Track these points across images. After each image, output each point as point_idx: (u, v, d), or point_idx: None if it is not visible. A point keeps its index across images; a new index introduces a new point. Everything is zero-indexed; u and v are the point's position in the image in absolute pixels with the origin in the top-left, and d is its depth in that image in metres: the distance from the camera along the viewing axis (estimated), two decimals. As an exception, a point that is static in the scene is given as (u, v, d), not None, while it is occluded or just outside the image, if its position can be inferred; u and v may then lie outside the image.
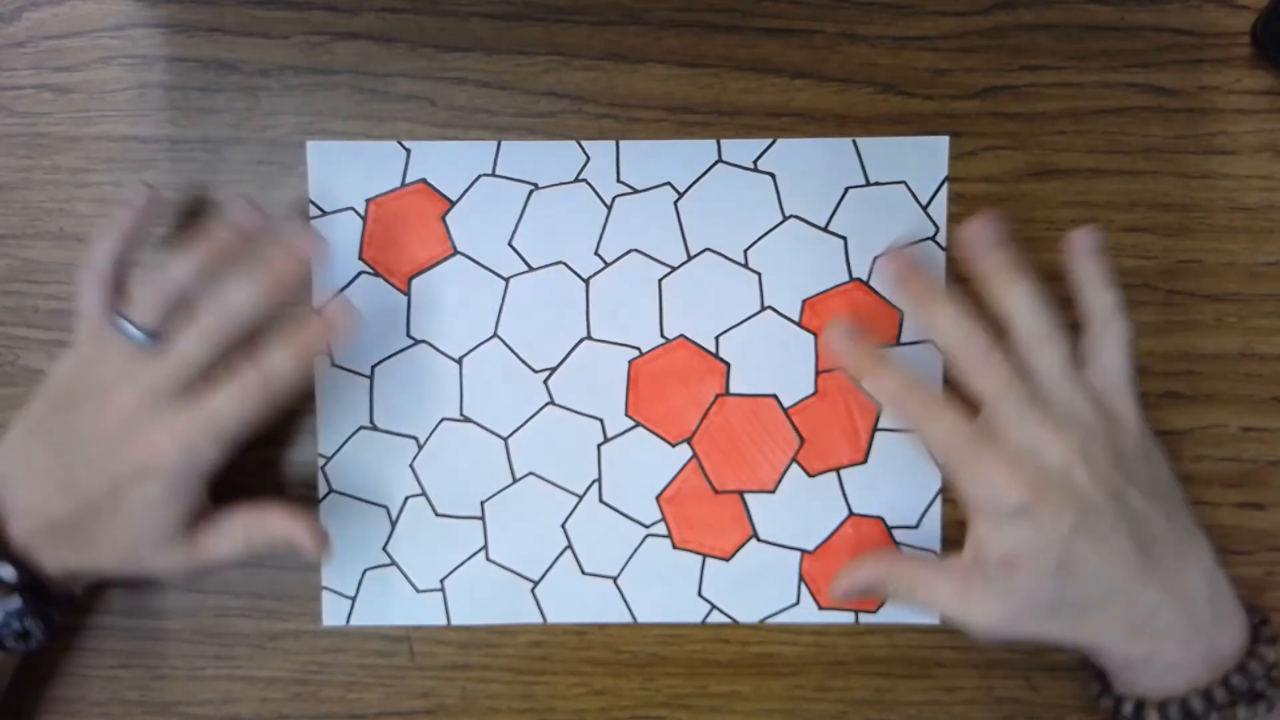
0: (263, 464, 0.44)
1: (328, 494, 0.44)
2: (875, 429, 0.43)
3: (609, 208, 0.44)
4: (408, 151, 0.44)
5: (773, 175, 0.43)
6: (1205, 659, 0.37)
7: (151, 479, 0.37)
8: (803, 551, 0.44)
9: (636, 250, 0.44)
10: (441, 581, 0.44)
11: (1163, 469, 0.39)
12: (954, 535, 0.44)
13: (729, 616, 0.44)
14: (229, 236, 0.40)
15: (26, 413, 0.39)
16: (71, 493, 0.38)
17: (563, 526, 0.44)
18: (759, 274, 0.43)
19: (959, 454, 0.38)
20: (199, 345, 0.38)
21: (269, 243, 0.40)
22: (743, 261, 0.44)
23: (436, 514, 0.44)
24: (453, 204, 0.44)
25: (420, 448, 0.44)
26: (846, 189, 0.43)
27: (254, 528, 0.40)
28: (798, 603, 0.44)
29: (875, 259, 0.43)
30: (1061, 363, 0.38)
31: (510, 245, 0.44)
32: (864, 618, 0.44)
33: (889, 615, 0.44)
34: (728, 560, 0.44)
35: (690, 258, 0.44)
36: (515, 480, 0.44)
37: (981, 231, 0.39)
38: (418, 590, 0.44)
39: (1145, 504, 0.37)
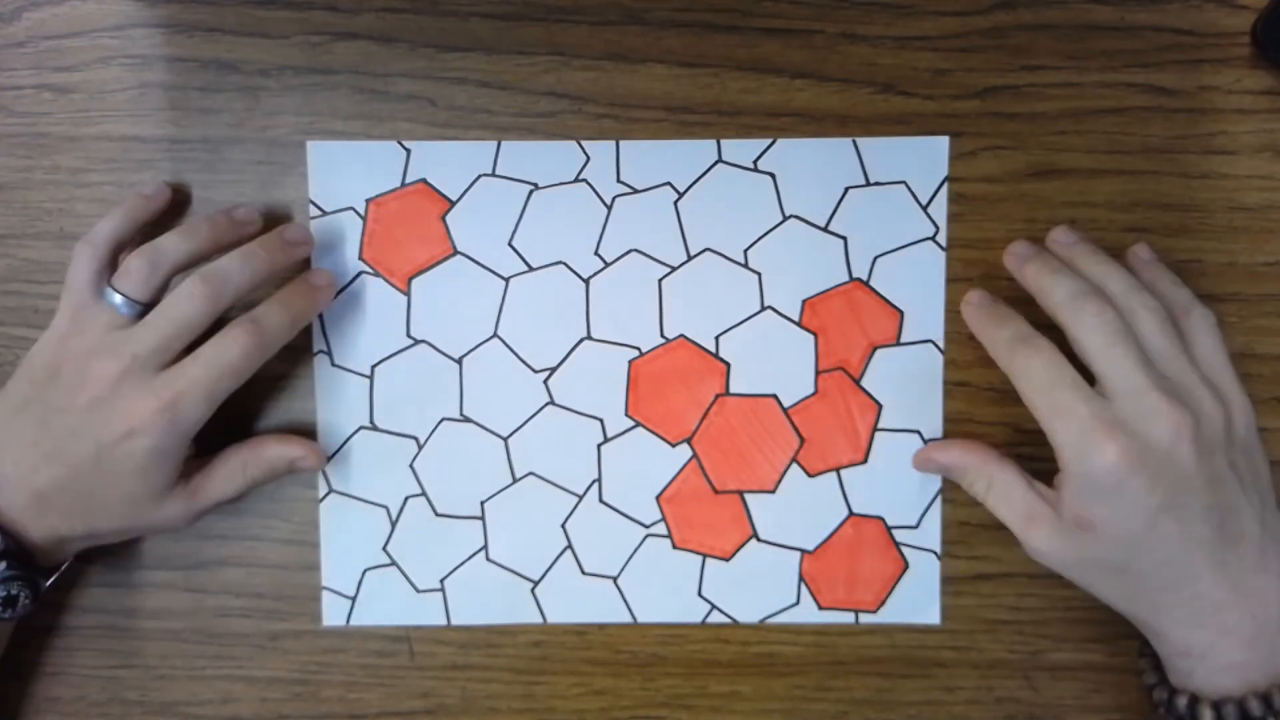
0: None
1: (328, 494, 0.44)
2: (875, 429, 0.43)
3: (609, 208, 0.44)
4: (408, 151, 0.44)
5: (773, 175, 0.43)
6: (1266, 663, 0.36)
7: (136, 444, 0.38)
8: (803, 551, 0.44)
9: (636, 250, 0.44)
10: (441, 581, 0.44)
11: (1264, 466, 0.38)
12: (954, 535, 0.44)
13: (729, 616, 0.44)
14: (225, 225, 0.41)
15: (7, 389, 0.40)
16: (58, 462, 0.38)
17: (563, 526, 0.44)
18: (759, 274, 0.43)
19: (1058, 401, 0.36)
20: (182, 309, 0.38)
21: (265, 233, 0.41)
22: (743, 261, 0.44)
23: (436, 514, 0.44)
24: (453, 204, 0.44)
25: (420, 448, 0.44)
26: (846, 189, 0.43)
27: (251, 460, 0.41)
28: (798, 603, 0.44)
29: (875, 259, 0.43)
30: (1168, 333, 0.37)
31: (510, 245, 0.44)
32: (864, 618, 0.44)
33: (889, 615, 0.44)
34: (728, 560, 0.44)
35: (690, 258, 0.44)
36: (515, 480, 0.44)
37: (1061, 233, 0.41)
38: (418, 590, 0.44)
39: (1240, 497, 0.36)
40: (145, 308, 0.39)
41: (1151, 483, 0.35)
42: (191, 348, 0.39)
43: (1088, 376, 0.37)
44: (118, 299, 0.39)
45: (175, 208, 0.44)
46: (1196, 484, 0.35)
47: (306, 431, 0.44)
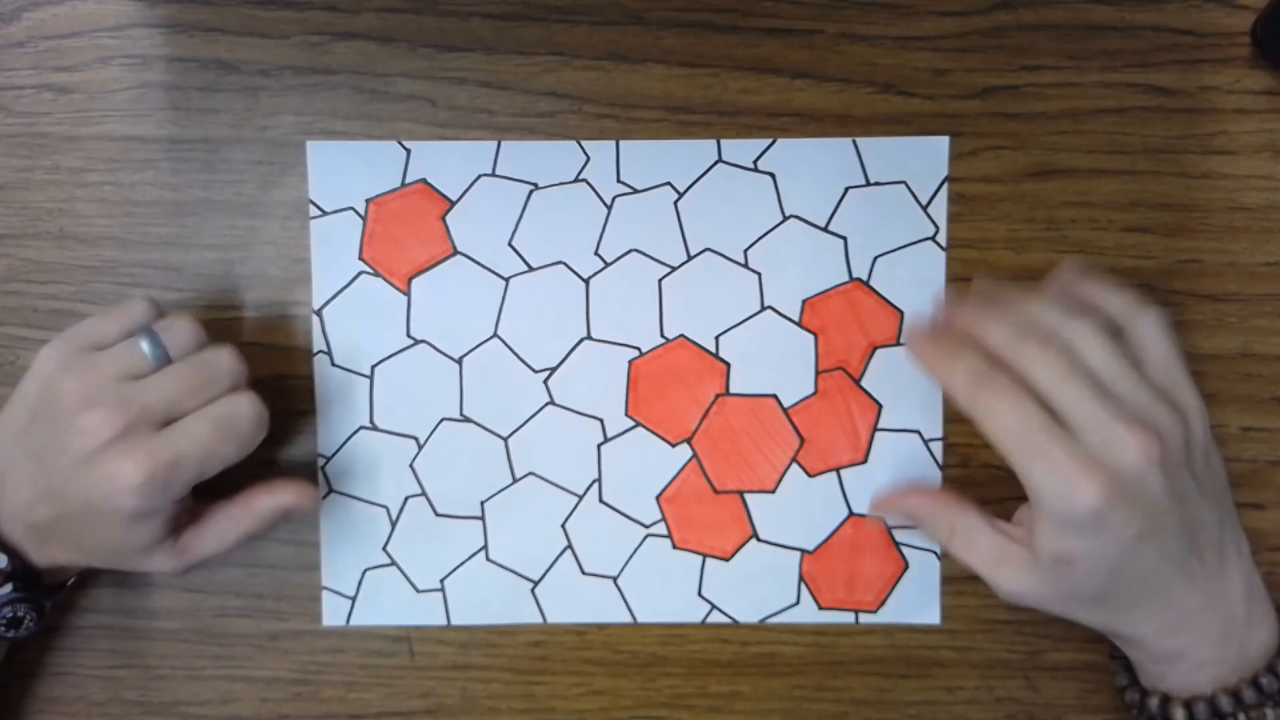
0: (263, 464, 0.44)
1: (328, 494, 0.44)
2: (875, 429, 0.43)
3: (609, 208, 0.44)
4: (408, 151, 0.44)
5: (773, 175, 0.43)
6: (1235, 659, 0.37)
7: (122, 503, 0.36)
8: (803, 551, 0.44)
9: (636, 250, 0.44)
10: (441, 581, 0.44)
11: (1220, 468, 0.38)
12: (954, 535, 0.44)
13: (729, 616, 0.44)
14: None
15: (7, 413, 0.39)
16: (52, 502, 0.37)
17: (563, 526, 0.44)
18: (759, 274, 0.43)
19: (1031, 445, 0.35)
20: (213, 364, 0.38)
21: None
22: (743, 261, 0.44)
23: (436, 514, 0.44)
24: (453, 204, 0.44)
25: (420, 448, 0.44)
26: (846, 189, 0.43)
27: (243, 517, 0.40)
28: (798, 603, 0.44)
29: (875, 259, 0.43)
30: (1113, 355, 0.36)
31: (510, 245, 0.44)
32: (864, 618, 0.44)
33: (889, 615, 0.44)
34: (728, 560, 0.44)
35: (690, 258, 0.44)
36: (515, 480, 0.44)
37: (982, 282, 0.40)
38: (418, 590, 0.44)
39: (1203, 507, 0.37)
40: (165, 365, 0.38)
41: (1129, 513, 0.34)
42: None
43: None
44: (147, 345, 0.37)
45: (175, 208, 0.44)
46: (1166, 505, 0.35)
47: (307, 431, 0.44)
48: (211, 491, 0.40)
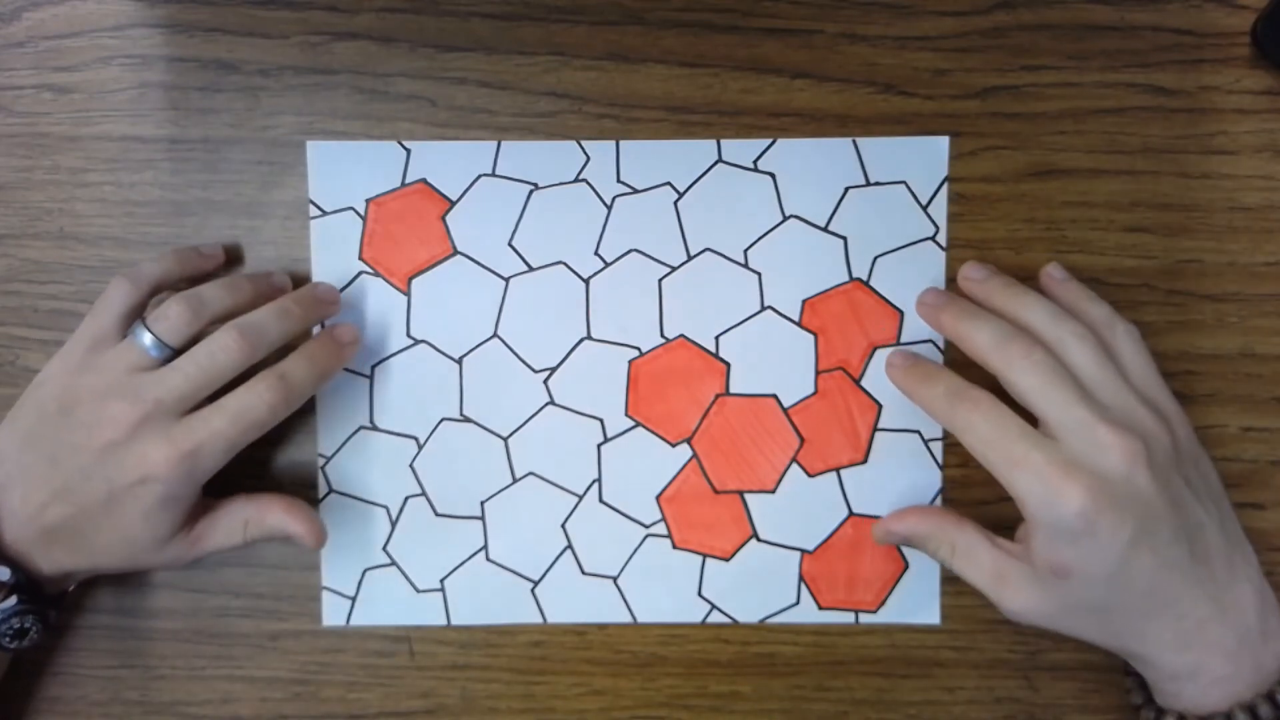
0: (263, 464, 0.44)
1: (328, 494, 0.44)
2: (875, 429, 0.43)
3: (609, 208, 0.44)
4: (408, 151, 0.44)
5: (773, 175, 0.43)
6: (1251, 674, 0.36)
7: (148, 491, 0.37)
8: (803, 551, 0.44)
9: (636, 250, 0.44)
10: (441, 581, 0.44)
11: (1213, 472, 0.38)
12: (954, 535, 0.44)
13: (729, 616, 0.44)
14: (265, 285, 0.41)
15: (15, 418, 0.39)
16: (67, 501, 0.38)
17: (563, 526, 0.44)
18: (759, 274, 0.43)
19: (1010, 453, 0.35)
20: (217, 358, 0.38)
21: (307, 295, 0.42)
22: (743, 261, 0.44)
23: (436, 514, 0.44)
24: (453, 204, 0.44)
25: (420, 448, 0.44)
26: (846, 189, 0.43)
27: (253, 521, 0.40)
28: (798, 603, 0.44)
29: (875, 259, 0.43)
30: (1099, 360, 0.37)
31: (510, 245, 0.44)
32: (864, 618, 0.44)
33: (889, 615, 0.44)
34: (728, 560, 0.44)
35: (690, 258, 0.44)
36: (515, 480, 0.44)
37: (972, 269, 0.40)
38: (418, 590, 0.44)
39: (1201, 512, 0.36)
40: (173, 354, 0.38)
41: (1120, 517, 0.34)
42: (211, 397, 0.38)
43: (1028, 418, 0.36)
44: (148, 340, 0.38)
45: (175, 208, 0.44)
46: (1160, 509, 0.35)
47: (307, 431, 0.44)
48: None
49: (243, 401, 0.38)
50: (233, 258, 0.44)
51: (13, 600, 0.38)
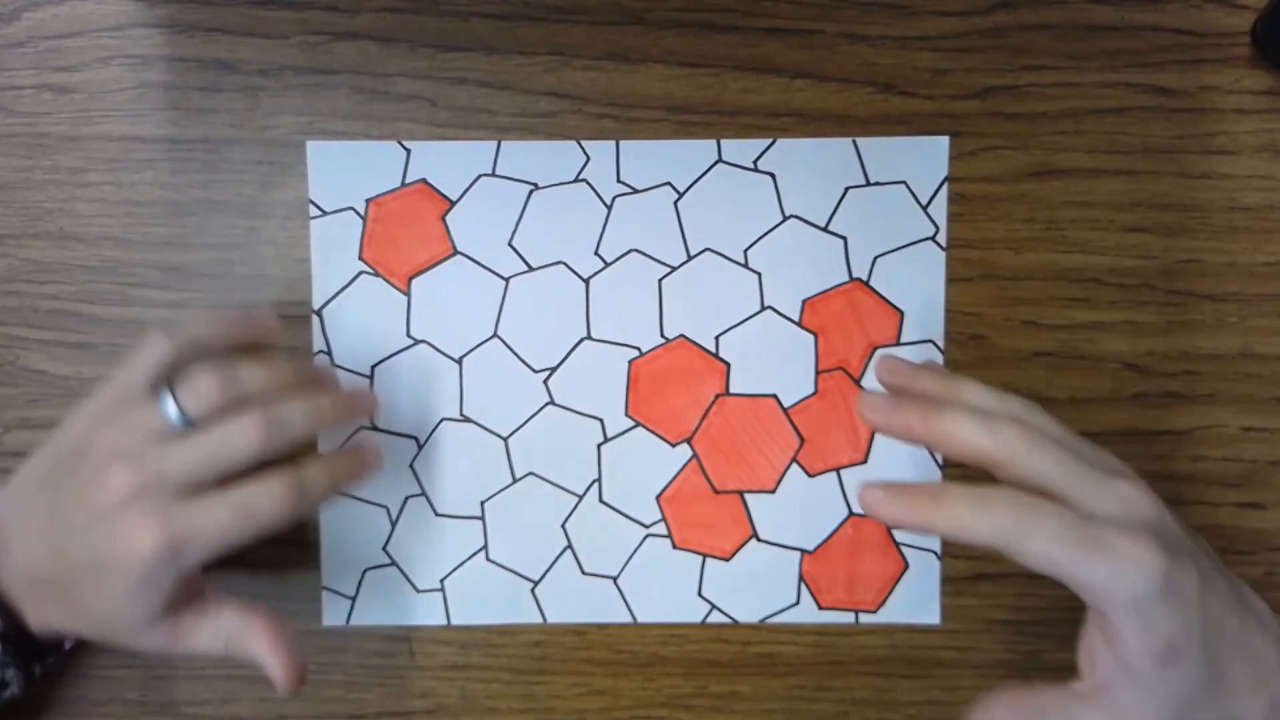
0: (262, 464, 0.44)
1: (328, 494, 0.44)
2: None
3: (609, 208, 0.44)
4: (408, 151, 0.44)
5: (773, 175, 0.43)
6: None
7: (128, 570, 0.34)
8: (803, 551, 0.44)
9: (636, 250, 0.44)
10: (441, 581, 0.44)
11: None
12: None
13: (729, 616, 0.44)
14: (307, 371, 0.39)
15: (36, 458, 0.38)
16: (57, 557, 0.36)
17: (563, 526, 0.44)
18: (759, 274, 0.43)
19: (1086, 542, 0.31)
20: (235, 443, 0.35)
21: (333, 387, 0.39)
22: (743, 261, 0.44)
23: (436, 514, 0.44)
24: (453, 204, 0.44)
25: (420, 448, 0.44)
26: (846, 189, 0.43)
27: (235, 639, 0.37)
28: (798, 603, 0.44)
29: (875, 259, 0.43)
30: (1058, 422, 0.34)
31: (510, 245, 0.44)
32: (864, 618, 0.44)
33: (889, 615, 0.44)
34: (728, 560, 0.44)
35: (690, 258, 0.44)
36: (515, 480, 0.44)
37: (890, 366, 0.37)
38: (418, 590, 0.44)
39: (1200, 544, 0.34)
40: (195, 427, 0.36)
41: (1179, 562, 0.31)
42: None
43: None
44: (172, 410, 0.35)
45: (176, 209, 0.44)
46: (1189, 544, 0.33)
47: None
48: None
49: (252, 496, 0.35)
50: (225, 244, 0.43)
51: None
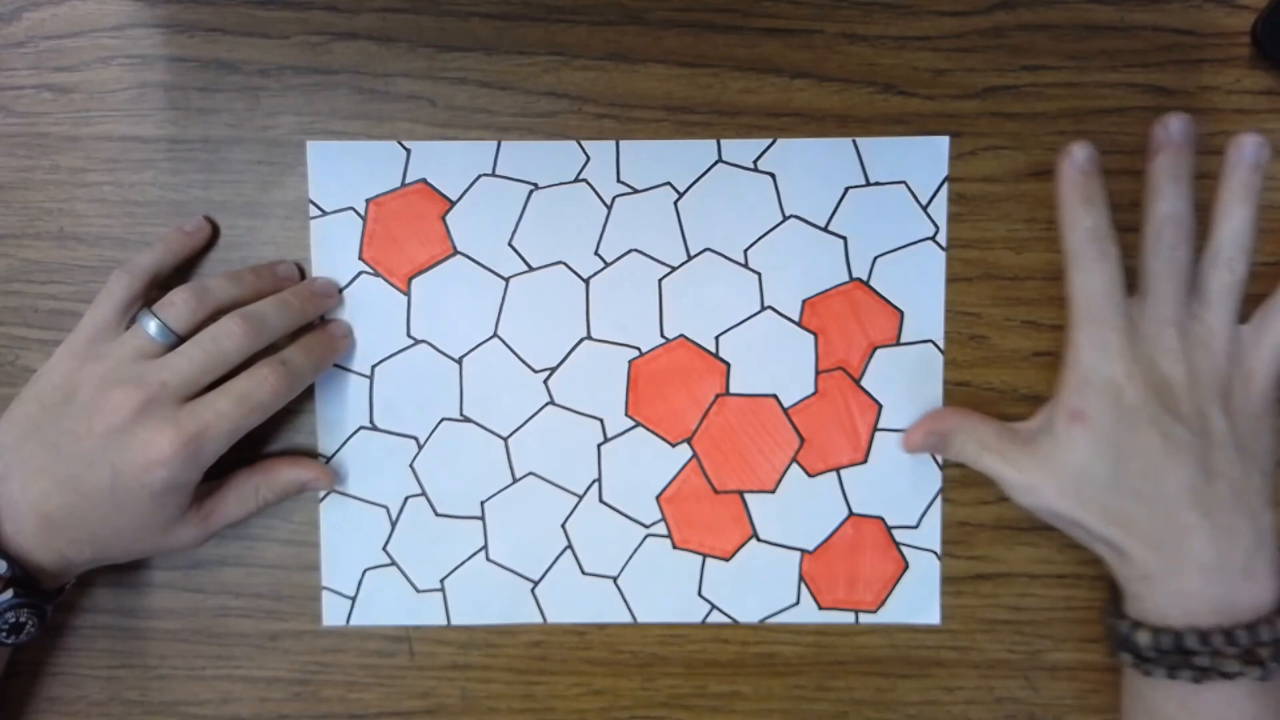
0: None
1: (328, 494, 0.44)
2: (875, 429, 0.43)
3: (609, 208, 0.44)
4: (408, 151, 0.44)
5: (773, 175, 0.43)
6: (1219, 603, 0.37)
7: (155, 474, 0.37)
8: (803, 551, 0.44)
9: (636, 250, 0.44)
10: (441, 581, 0.44)
11: (1266, 439, 0.38)
12: (954, 535, 0.44)
13: (729, 616, 0.44)
14: (269, 278, 0.42)
15: (15, 410, 0.39)
16: (70, 489, 0.38)
17: (563, 526, 0.44)
18: (759, 274, 0.43)
19: (1096, 311, 0.38)
20: (222, 344, 0.39)
21: (294, 286, 0.43)
22: (743, 261, 0.44)
23: (436, 514, 0.44)
24: (453, 204, 0.44)
25: (420, 448, 0.44)
26: (846, 189, 0.43)
27: (264, 484, 0.42)
28: (798, 603, 0.44)
29: (875, 259, 0.43)
30: (1225, 290, 0.39)
31: (510, 245, 0.44)
32: (864, 618, 0.44)
33: (889, 615, 0.44)
34: (728, 560, 0.44)
35: (690, 258, 0.44)
36: (515, 480, 0.44)
37: (1251, 148, 0.39)
38: (418, 590, 0.44)
39: (1229, 444, 0.37)
40: (177, 340, 0.39)
41: (1144, 395, 0.37)
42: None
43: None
44: (153, 326, 0.39)
45: (175, 208, 0.44)
46: (1185, 413, 0.37)
47: (307, 431, 0.44)
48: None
49: (247, 385, 0.39)
50: (225, 244, 0.44)
51: (9, 594, 0.38)
